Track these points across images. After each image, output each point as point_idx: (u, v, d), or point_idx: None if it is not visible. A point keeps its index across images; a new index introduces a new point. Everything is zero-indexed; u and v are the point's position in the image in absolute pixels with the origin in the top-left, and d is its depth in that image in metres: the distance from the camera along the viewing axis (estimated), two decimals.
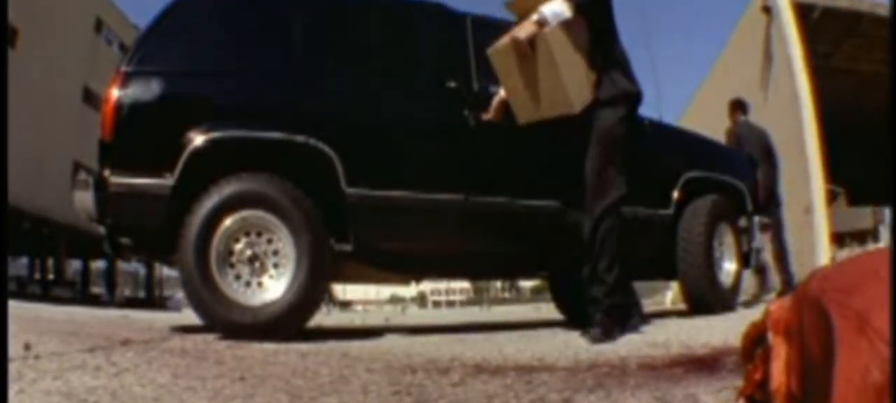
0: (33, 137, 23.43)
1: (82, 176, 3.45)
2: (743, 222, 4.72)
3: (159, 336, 3.33)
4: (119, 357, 2.30)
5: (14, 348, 2.21)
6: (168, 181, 3.21)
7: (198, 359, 2.39)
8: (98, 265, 37.39)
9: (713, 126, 17.11)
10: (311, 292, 3.25)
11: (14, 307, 4.42)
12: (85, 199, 3.30)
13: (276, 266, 3.24)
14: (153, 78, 3.42)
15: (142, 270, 40.09)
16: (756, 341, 0.88)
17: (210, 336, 3.09)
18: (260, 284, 3.22)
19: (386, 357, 2.55)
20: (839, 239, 12.33)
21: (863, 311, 0.62)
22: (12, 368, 1.88)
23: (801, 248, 11.75)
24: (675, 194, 4.30)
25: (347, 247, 3.45)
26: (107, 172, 3.25)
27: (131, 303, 30.31)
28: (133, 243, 3.46)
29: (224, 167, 3.23)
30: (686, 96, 22.39)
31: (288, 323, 3.19)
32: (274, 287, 3.22)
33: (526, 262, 4.48)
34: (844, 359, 0.60)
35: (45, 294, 23.91)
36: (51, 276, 30.53)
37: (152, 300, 34.60)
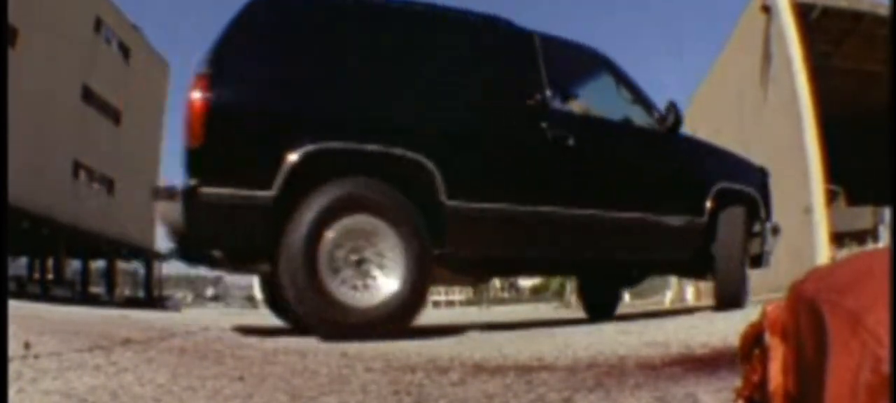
0: (33, 137, 23.41)
1: (164, 184, 3.40)
2: (757, 227, 5.06)
3: (159, 335, 3.33)
4: (119, 357, 2.31)
5: (14, 347, 2.21)
6: (270, 192, 3.21)
7: (197, 359, 2.39)
8: (97, 265, 37.42)
9: (713, 125, 17.16)
10: (417, 294, 3.40)
11: (14, 306, 4.42)
12: (171, 210, 3.24)
13: (380, 269, 3.35)
14: (243, 83, 3.43)
15: (141, 270, 40.14)
16: (754, 342, 0.88)
17: (210, 336, 3.10)
18: (366, 287, 3.32)
19: (385, 356, 2.55)
20: (838, 239, 12.32)
21: (856, 311, 0.62)
22: (12, 367, 1.89)
23: (800, 248, 11.76)
24: (709, 204, 4.66)
25: (440, 252, 3.60)
26: (194, 181, 3.18)
27: (131, 303, 30.33)
28: (226, 254, 3.45)
29: (321, 178, 3.28)
30: (686, 96, 22.41)
31: (395, 323, 3.30)
32: (381, 289, 3.33)
33: (577, 265, 4.82)
34: (837, 359, 0.61)
35: (45, 293, 23.91)
36: (50, 276, 30.53)
37: (152, 300, 34.61)
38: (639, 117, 4.70)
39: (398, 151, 3.49)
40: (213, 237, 3.31)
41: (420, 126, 3.72)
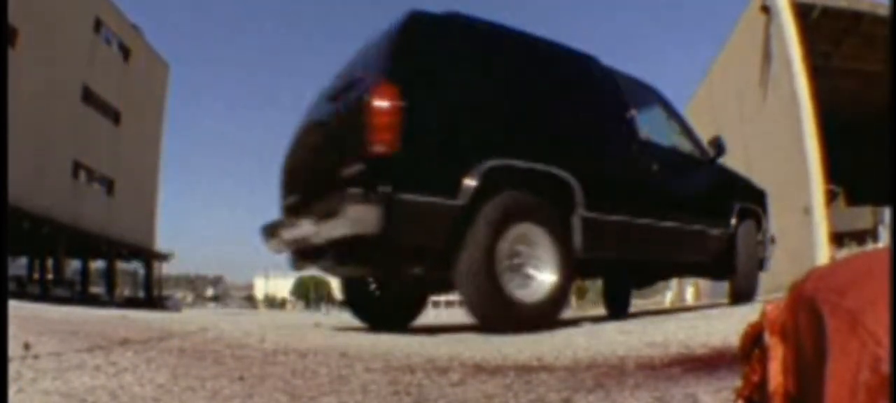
0: (33, 137, 23.41)
1: (355, 190, 3.49)
2: (759, 237, 6.06)
3: (158, 336, 3.33)
4: (118, 357, 2.31)
5: (14, 348, 2.22)
6: (458, 200, 3.56)
7: (197, 359, 2.39)
8: (97, 265, 37.41)
9: (713, 125, 17.08)
10: (566, 290, 3.97)
11: (14, 307, 4.42)
12: (368, 213, 3.39)
13: (538, 270, 3.82)
14: (428, 95, 3.73)
15: (141, 270, 40.15)
16: (753, 342, 0.87)
17: (209, 336, 3.10)
18: (529, 285, 3.78)
19: (385, 356, 2.55)
20: (838, 238, 12.32)
21: (855, 311, 0.62)
22: (12, 368, 1.89)
23: (799, 248, 11.76)
24: (734, 220, 5.68)
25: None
26: (388, 187, 3.40)
27: (131, 303, 30.32)
28: (414, 256, 3.74)
29: (489, 190, 3.65)
30: (686, 95, 22.39)
31: (550, 316, 3.83)
32: (541, 287, 3.81)
33: (653, 266, 5.62)
34: (836, 359, 0.61)
35: (45, 293, 23.90)
36: (50, 276, 30.52)
37: (152, 300, 34.60)
38: (682, 145, 5.67)
39: (555, 170, 4.02)
40: (407, 240, 3.59)
41: (567, 150, 4.29)
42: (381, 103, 3.49)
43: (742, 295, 5.72)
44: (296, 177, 4.57)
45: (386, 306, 4.91)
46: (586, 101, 4.77)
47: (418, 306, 5.18)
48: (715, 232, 5.46)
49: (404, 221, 3.45)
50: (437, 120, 3.75)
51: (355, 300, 4.92)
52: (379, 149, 3.46)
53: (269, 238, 4.36)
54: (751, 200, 6.08)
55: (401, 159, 3.49)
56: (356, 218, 3.40)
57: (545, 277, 3.83)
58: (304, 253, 4.18)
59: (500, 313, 3.60)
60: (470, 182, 3.60)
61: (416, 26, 3.94)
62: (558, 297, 3.89)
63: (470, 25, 4.27)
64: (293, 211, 4.26)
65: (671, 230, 5.00)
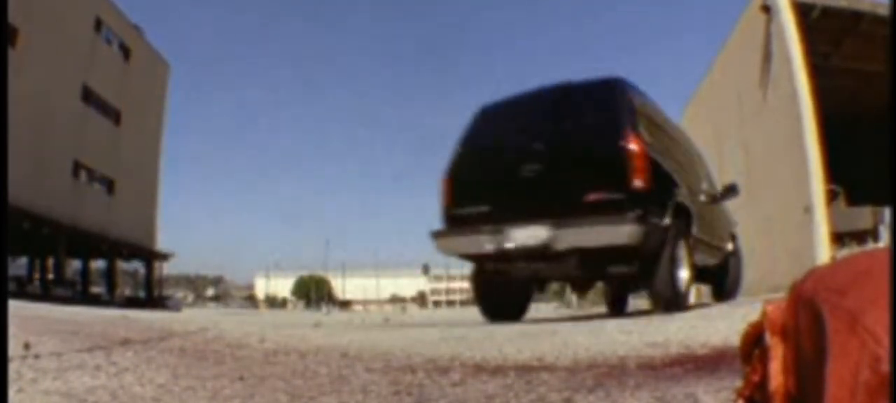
0: (33, 137, 23.40)
1: (632, 213, 4.76)
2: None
3: (159, 335, 3.33)
4: (118, 357, 2.31)
5: (14, 348, 2.22)
6: (666, 220, 5.04)
7: (197, 359, 2.39)
8: (98, 264, 37.40)
9: (713, 125, 17.04)
10: (692, 283, 5.56)
11: (14, 307, 4.42)
12: (636, 230, 4.74)
13: (680, 269, 5.22)
14: (651, 144, 5.12)
15: (141, 270, 40.15)
16: (754, 342, 0.87)
17: (209, 336, 3.10)
18: (679, 279, 5.20)
19: (385, 356, 2.55)
20: (838, 238, 12.30)
21: (855, 311, 0.62)
22: (12, 368, 1.89)
23: (800, 248, 11.76)
24: (732, 242, 7.80)
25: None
26: (640, 210, 4.72)
27: (131, 303, 30.32)
28: (627, 265, 5.20)
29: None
30: (686, 95, 22.38)
31: (687, 300, 5.34)
32: (683, 280, 5.27)
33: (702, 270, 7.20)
34: (836, 359, 0.61)
35: (45, 293, 23.89)
36: (51, 276, 30.51)
37: (152, 300, 34.60)
38: (711, 185, 7.42)
39: (689, 203, 5.66)
40: (647, 249, 4.91)
41: (687, 189, 5.88)
42: (635, 148, 4.88)
43: (727, 295, 7.87)
44: (478, 190, 5.61)
45: (511, 303, 6.12)
46: (685, 146, 6.70)
47: (526, 303, 6.45)
48: (728, 247, 7.46)
49: (650, 236, 4.82)
50: (656, 162, 5.11)
51: (485, 296, 6.05)
52: (639, 184, 4.84)
53: (444, 239, 5.54)
54: (733, 226, 8.16)
55: (648, 191, 4.86)
56: (629, 233, 4.71)
57: (684, 274, 5.30)
58: (501, 257, 5.31)
59: (672, 298, 5.05)
60: (670, 211, 5.11)
61: (625, 88, 5.36)
62: (690, 287, 5.47)
63: (636, 89, 5.61)
64: (481, 220, 5.33)
65: (717, 246, 6.89)
